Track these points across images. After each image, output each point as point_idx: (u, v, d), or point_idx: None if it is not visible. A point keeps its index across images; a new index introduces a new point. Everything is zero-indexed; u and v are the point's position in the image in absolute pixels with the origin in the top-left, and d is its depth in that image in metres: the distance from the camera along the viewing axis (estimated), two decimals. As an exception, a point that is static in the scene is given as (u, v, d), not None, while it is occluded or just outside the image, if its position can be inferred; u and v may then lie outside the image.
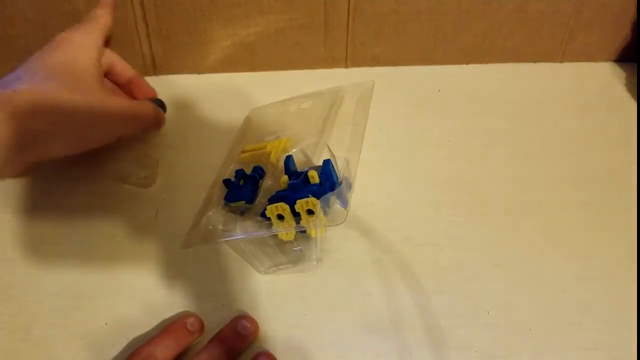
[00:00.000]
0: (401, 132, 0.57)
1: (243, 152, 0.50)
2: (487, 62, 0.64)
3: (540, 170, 0.53)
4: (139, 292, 0.44)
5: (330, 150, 0.50)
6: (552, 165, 0.54)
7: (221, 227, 0.42)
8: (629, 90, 0.62)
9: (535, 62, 0.64)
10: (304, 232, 0.43)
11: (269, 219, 0.41)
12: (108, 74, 0.53)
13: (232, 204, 0.44)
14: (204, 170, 0.51)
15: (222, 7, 0.57)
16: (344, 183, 0.43)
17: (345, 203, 0.42)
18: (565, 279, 0.45)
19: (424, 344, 0.41)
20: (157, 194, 0.51)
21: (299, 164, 0.47)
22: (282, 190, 0.43)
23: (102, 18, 0.51)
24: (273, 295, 0.44)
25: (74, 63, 0.45)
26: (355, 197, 0.44)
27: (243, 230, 0.41)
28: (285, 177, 0.44)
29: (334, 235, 0.47)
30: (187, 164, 0.54)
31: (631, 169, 0.53)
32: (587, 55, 0.64)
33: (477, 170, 0.53)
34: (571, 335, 0.42)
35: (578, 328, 0.42)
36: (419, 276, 0.45)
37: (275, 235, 0.43)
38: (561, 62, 0.64)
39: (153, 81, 0.61)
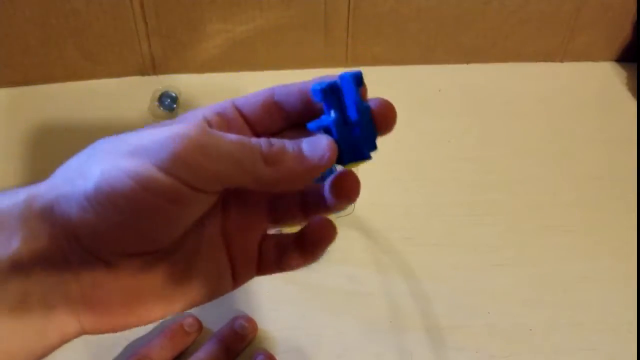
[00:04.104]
0: (401, 132, 0.56)
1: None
2: (487, 62, 0.64)
3: (541, 170, 0.53)
4: (139, 292, 0.44)
5: None
6: (553, 164, 0.54)
7: None
8: (630, 90, 0.61)
9: (536, 61, 0.64)
10: None
11: None
12: None
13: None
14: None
15: (221, 6, 0.57)
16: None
17: None
18: (566, 279, 0.45)
19: (424, 344, 0.41)
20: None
21: None
22: None
23: None
24: (273, 296, 0.44)
25: None
26: (355, 197, 0.44)
27: None
28: None
29: (334, 235, 0.47)
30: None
31: (632, 169, 0.53)
32: (587, 55, 0.64)
33: (478, 170, 0.53)
34: (572, 336, 0.42)
35: (578, 328, 0.42)
36: (419, 276, 0.45)
37: None
38: (562, 61, 0.64)
39: (152, 81, 0.61)
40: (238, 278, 0.27)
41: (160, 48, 0.59)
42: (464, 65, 0.64)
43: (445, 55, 0.63)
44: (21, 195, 0.22)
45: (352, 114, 0.24)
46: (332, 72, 0.66)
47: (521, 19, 0.60)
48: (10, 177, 0.52)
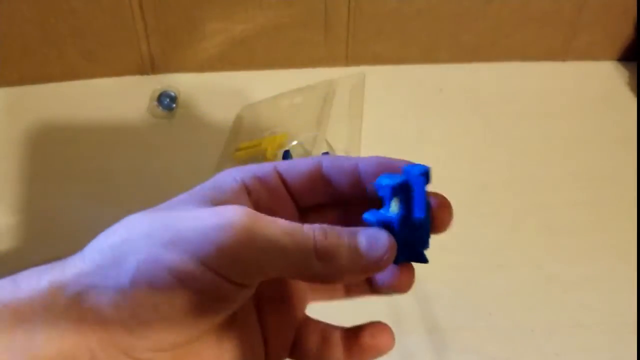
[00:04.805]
0: (402, 131, 0.56)
1: (237, 150, 0.50)
2: (489, 61, 0.63)
3: (542, 169, 0.53)
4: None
5: (329, 144, 0.50)
6: (554, 164, 0.53)
7: None
8: (631, 89, 0.61)
9: (537, 60, 0.64)
10: None
11: None
12: None
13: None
14: (200, 171, 0.51)
15: (221, 5, 0.57)
16: None
17: None
18: (567, 280, 0.45)
19: (426, 346, 0.41)
20: (154, 196, 0.50)
21: (299, 157, 0.47)
22: None
23: None
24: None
25: None
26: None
27: None
28: None
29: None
30: (185, 164, 0.53)
31: (632, 169, 0.53)
32: (589, 54, 0.64)
33: (479, 170, 0.53)
34: (573, 337, 0.42)
35: (580, 329, 0.42)
36: (420, 277, 0.44)
37: None
38: (564, 60, 0.64)
39: (151, 80, 0.61)
40: None
41: (159, 47, 0.59)
42: (466, 65, 0.63)
43: (446, 54, 0.63)
44: (44, 282, 0.20)
45: (418, 212, 0.22)
46: (333, 72, 0.66)
47: (523, 18, 0.60)
48: (10, 177, 0.52)
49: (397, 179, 0.22)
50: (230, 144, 0.53)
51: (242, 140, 0.51)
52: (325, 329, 0.25)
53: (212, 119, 0.57)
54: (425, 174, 0.23)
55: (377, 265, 0.21)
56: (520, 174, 0.52)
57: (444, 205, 0.23)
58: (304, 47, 0.61)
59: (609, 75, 0.63)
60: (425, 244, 0.23)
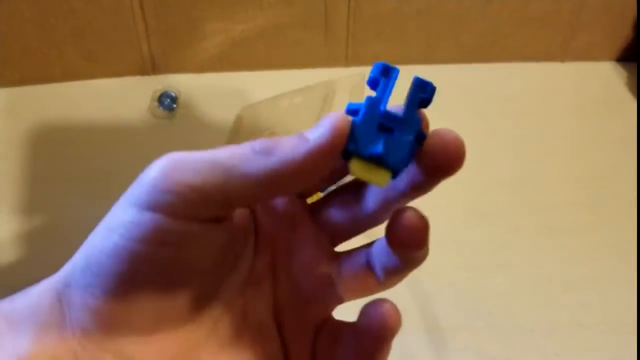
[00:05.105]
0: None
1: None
2: (488, 62, 0.64)
3: (542, 170, 0.53)
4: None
5: None
6: (553, 165, 0.54)
7: None
8: (630, 90, 0.61)
9: (536, 61, 0.64)
10: None
11: None
12: None
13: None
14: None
15: (221, 5, 0.57)
16: None
17: None
18: (566, 279, 0.45)
19: (425, 346, 0.41)
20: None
21: None
22: None
23: None
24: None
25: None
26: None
27: None
28: None
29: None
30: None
31: (632, 169, 0.53)
32: (588, 55, 0.64)
33: (478, 170, 0.53)
34: (573, 337, 0.42)
35: (580, 329, 0.42)
36: (419, 277, 0.44)
37: None
38: (562, 61, 0.64)
39: (152, 80, 0.61)
40: None
41: (159, 48, 0.59)
42: (465, 65, 0.63)
43: (445, 54, 0.63)
44: (34, 289, 0.20)
45: (401, 113, 0.20)
46: (332, 72, 0.66)
47: (522, 19, 0.60)
48: (10, 178, 0.52)
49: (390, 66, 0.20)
50: (230, 144, 0.53)
51: (242, 141, 0.51)
52: (334, 326, 0.23)
53: (213, 119, 0.57)
54: (422, 83, 0.20)
55: (324, 144, 0.18)
56: (520, 174, 0.52)
57: (449, 135, 0.20)
58: (304, 47, 0.61)
59: (608, 75, 0.63)
60: (397, 158, 0.19)
